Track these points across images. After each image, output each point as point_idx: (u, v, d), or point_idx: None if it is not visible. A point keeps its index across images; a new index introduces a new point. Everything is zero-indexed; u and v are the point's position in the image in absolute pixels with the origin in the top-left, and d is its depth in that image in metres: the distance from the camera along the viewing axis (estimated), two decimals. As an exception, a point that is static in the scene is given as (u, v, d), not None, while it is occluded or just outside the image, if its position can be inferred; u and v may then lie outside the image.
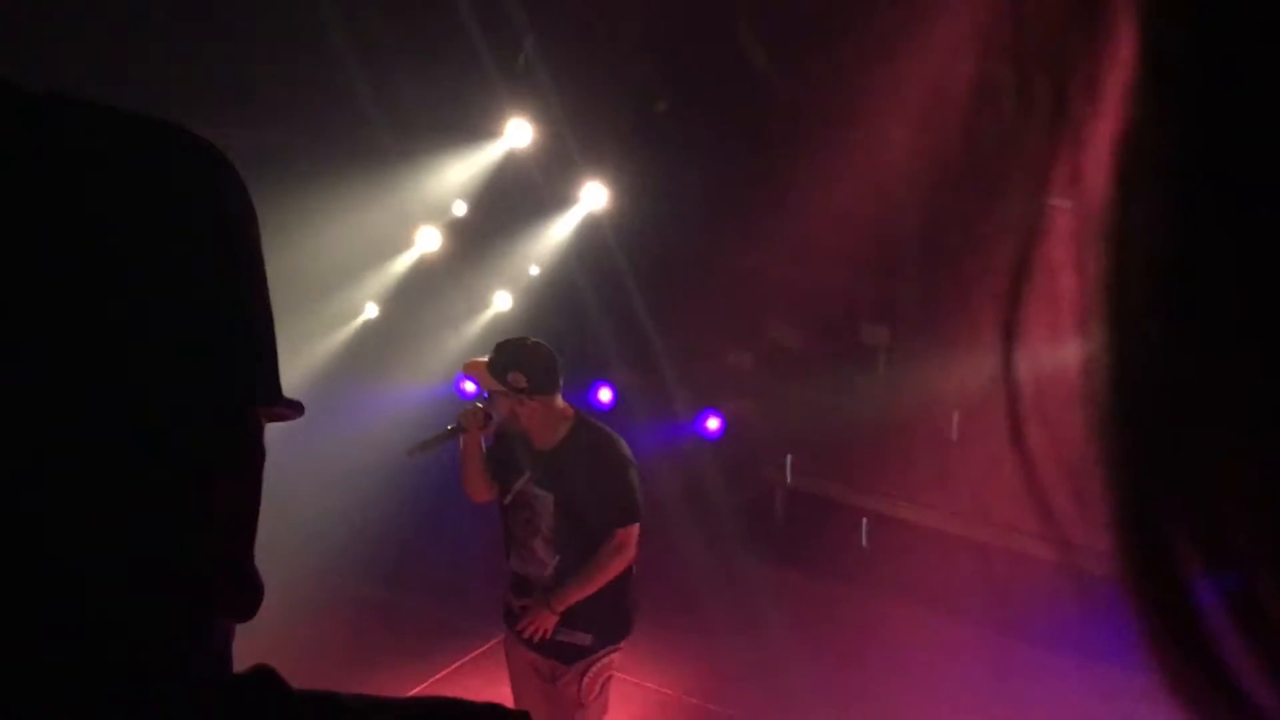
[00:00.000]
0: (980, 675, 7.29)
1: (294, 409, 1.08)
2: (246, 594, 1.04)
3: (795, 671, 7.31)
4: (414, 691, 6.56)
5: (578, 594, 5.58)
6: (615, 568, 5.59)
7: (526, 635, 5.63)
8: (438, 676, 7.18)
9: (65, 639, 0.94)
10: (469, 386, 8.86)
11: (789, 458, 8.52)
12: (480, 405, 5.69)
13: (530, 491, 5.66)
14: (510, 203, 9.27)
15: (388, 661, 7.20)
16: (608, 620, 5.72)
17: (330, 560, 7.61)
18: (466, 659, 7.42)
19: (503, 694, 5.83)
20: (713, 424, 8.35)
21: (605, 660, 5.74)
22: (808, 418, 8.78)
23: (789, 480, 8.46)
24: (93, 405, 0.94)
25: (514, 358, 5.58)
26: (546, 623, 5.60)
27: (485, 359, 5.60)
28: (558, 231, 9.36)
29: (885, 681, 7.23)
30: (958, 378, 8.45)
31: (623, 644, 5.76)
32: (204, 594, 1.01)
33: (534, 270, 9.51)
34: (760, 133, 9.47)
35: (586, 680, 5.72)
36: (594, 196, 9.11)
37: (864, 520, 8.25)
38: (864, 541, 8.20)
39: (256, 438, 1.04)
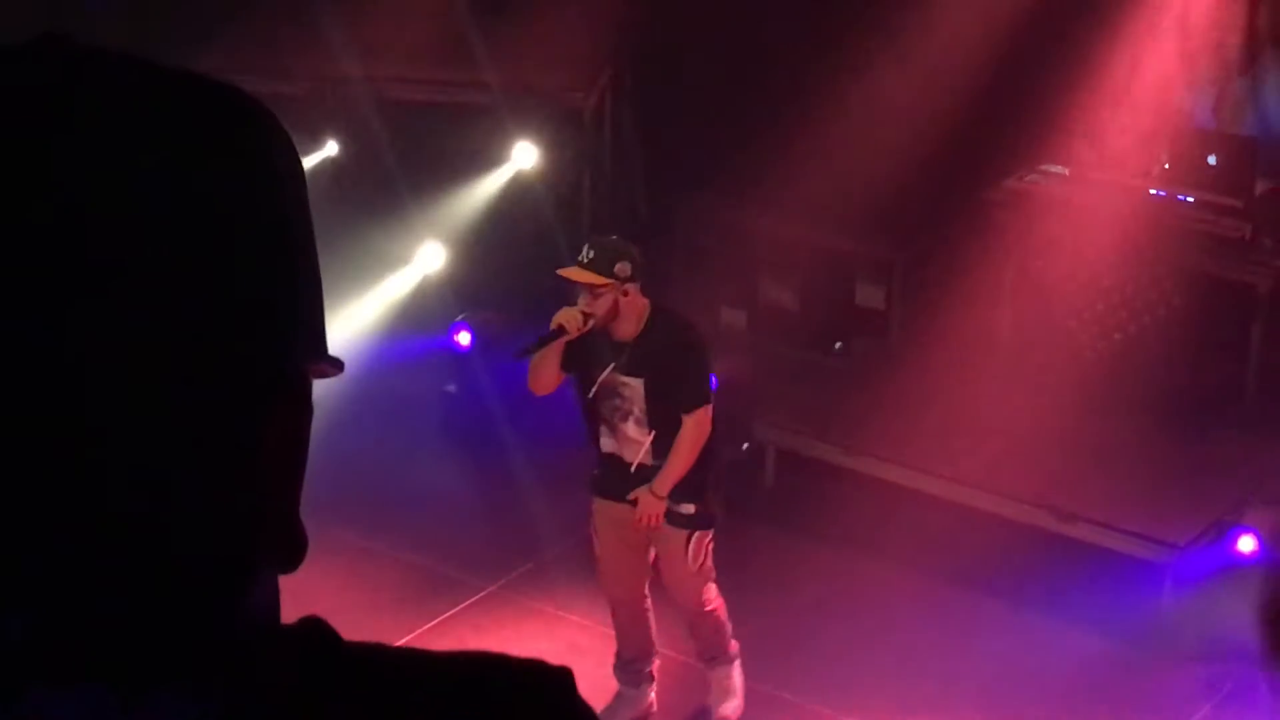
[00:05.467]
0: (949, 631, 7.29)
1: (336, 366, 1.10)
2: (292, 545, 1.07)
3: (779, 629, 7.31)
4: (402, 642, 6.53)
5: (675, 476, 6.12)
6: (699, 444, 6.09)
7: (642, 524, 6.17)
8: (427, 627, 7.15)
9: (120, 587, 0.98)
10: (464, 338, 8.80)
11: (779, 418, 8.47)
12: (580, 308, 5.93)
13: (616, 380, 6.09)
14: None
15: (375, 611, 7.16)
16: (705, 499, 6.28)
17: (315, 509, 7.50)
18: (456, 610, 7.38)
19: (490, 644, 5.78)
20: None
21: (707, 534, 6.31)
22: (800, 378, 8.76)
23: (779, 441, 8.41)
24: (146, 361, 0.96)
25: (617, 249, 6.00)
26: (656, 508, 6.15)
27: (579, 263, 5.92)
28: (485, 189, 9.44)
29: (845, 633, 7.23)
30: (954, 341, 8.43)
31: (715, 526, 6.37)
32: (254, 544, 1.04)
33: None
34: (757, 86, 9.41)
35: (693, 546, 6.28)
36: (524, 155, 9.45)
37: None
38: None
39: (305, 394, 1.07)
